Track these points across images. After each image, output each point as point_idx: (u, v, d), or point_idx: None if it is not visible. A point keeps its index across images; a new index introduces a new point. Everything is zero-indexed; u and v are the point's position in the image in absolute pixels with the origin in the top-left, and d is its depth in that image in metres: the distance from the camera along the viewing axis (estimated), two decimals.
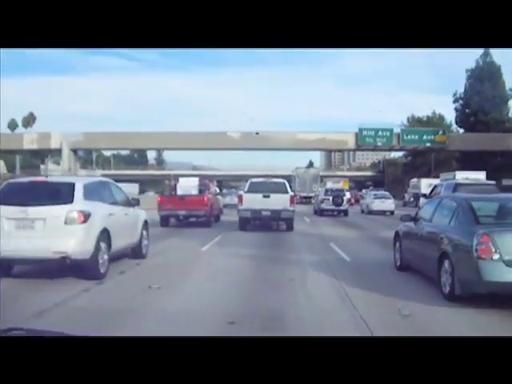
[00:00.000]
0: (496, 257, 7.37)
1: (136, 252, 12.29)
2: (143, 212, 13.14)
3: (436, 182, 37.79)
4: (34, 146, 59.82)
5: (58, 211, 9.18)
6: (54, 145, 58.22)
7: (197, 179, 26.17)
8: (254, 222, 21.96)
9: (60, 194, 9.50)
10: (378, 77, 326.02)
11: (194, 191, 24.64)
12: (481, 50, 69.18)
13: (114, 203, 11.07)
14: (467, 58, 78.93)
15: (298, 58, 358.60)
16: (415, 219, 10.85)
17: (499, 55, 70.41)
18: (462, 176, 27.67)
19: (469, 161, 62.67)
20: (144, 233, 12.67)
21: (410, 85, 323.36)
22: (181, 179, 26.42)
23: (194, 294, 8.81)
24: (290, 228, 21.44)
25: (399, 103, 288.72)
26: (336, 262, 12.37)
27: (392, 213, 36.11)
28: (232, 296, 8.52)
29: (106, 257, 9.89)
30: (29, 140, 59.51)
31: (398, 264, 11.18)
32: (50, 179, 10.22)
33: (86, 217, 9.28)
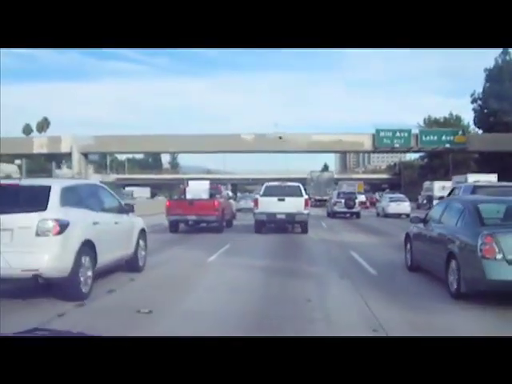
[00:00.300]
0: (499, 256, 7.72)
1: (131, 265, 10.75)
2: (139, 219, 11.60)
3: (448, 184, 38.54)
4: (44, 150, 58.97)
5: (28, 220, 7.61)
6: (64, 149, 57.40)
7: (207, 182, 24.98)
8: (269, 225, 22.06)
9: (32, 199, 7.93)
10: (392, 79, 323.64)
11: (205, 195, 23.43)
12: (497, 50, 67.57)
13: (102, 210, 9.55)
14: (484, 58, 77.20)
15: (311, 62, 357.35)
16: (425, 221, 11.19)
17: None
18: (473, 178, 27.80)
19: (488, 162, 61.16)
20: (141, 243, 11.13)
21: (426, 87, 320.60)
22: (190, 182, 25.21)
23: (189, 322, 7.10)
24: (304, 231, 21.57)
25: (414, 105, 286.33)
26: (360, 276, 10.84)
27: (408, 215, 34.79)
28: (235, 326, 6.82)
29: (89, 273, 8.36)
30: (39, 144, 58.73)
31: (409, 264, 11.63)
32: (23, 182, 8.70)
33: (63, 227, 7.73)
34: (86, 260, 8.25)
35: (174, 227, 22.63)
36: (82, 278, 8.09)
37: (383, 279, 10.57)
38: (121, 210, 10.50)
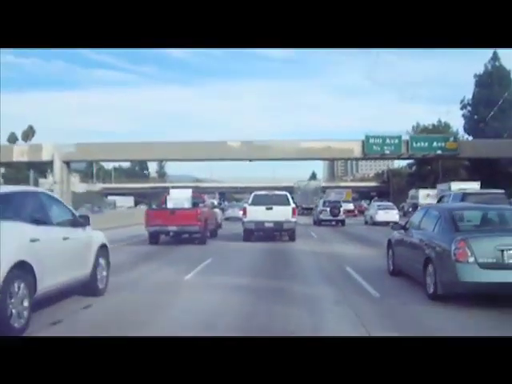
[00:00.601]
0: (471, 260, 8.21)
1: (88, 288, 9.02)
2: (99, 234, 9.81)
3: (433, 192, 39.04)
4: (25, 159, 56.76)
5: None
6: (45, 157, 55.36)
7: (189, 191, 23.60)
8: (257, 233, 22.19)
9: None
10: (380, 87, 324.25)
11: (187, 204, 22.07)
12: (486, 56, 67.26)
13: (46, 223, 7.77)
14: (474, 65, 76.96)
15: (299, 69, 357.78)
16: (405, 228, 11.70)
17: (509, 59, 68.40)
18: (456, 186, 29.12)
19: (478, 169, 60.30)
20: (101, 261, 9.39)
21: (413, 94, 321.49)
22: (172, 190, 23.81)
23: None
24: (292, 238, 21.93)
25: (402, 113, 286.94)
26: (361, 300, 9.10)
27: (396, 223, 33.85)
28: None
29: (25, 303, 6.63)
30: (19, 152, 56.65)
31: (391, 269, 12.09)
32: None
33: None
34: (19, 287, 6.49)
35: (153, 239, 21.19)
36: (13, 311, 6.34)
37: (388, 303, 8.94)
38: (74, 223, 8.75)
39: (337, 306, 8.63)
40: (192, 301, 9.19)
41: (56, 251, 7.62)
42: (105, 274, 9.59)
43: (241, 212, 27.19)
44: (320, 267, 14.14)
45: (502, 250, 8.14)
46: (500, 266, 8.11)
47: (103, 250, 9.59)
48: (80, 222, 8.93)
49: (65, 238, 8.06)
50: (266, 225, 21.35)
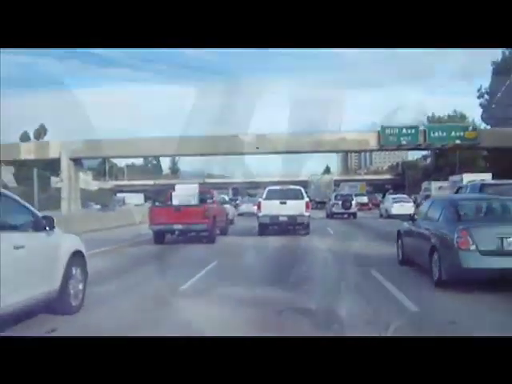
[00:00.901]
0: (473, 247, 8.82)
1: (58, 306, 7.28)
2: (72, 238, 8.03)
3: (445, 184, 44.10)
4: (32, 156, 55.83)
5: None
6: (52, 154, 54.80)
7: (196, 186, 22.19)
8: (272, 228, 22.51)
9: None
10: (392, 78, 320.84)
11: (193, 200, 20.70)
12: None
13: None
14: (490, 55, 73.78)
15: (311, 63, 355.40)
16: (413, 219, 12.29)
17: None
18: (468, 178, 28.60)
19: (497, 159, 58.11)
20: (74, 272, 7.61)
21: (429, 85, 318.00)
22: (177, 186, 22.36)
23: None
24: (306, 231, 22.22)
25: (416, 104, 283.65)
26: (397, 317, 7.16)
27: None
28: None
29: None
30: (26, 150, 55.88)
31: (400, 258, 12.65)
32: None
33: None
34: None
35: (158, 238, 19.69)
36: None
37: (426, 317, 7.28)
38: (36, 227, 6.98)
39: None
40: (180, 323, 7.08)
41: (7, 264, 5.85)
42: (80, 287, 7.81)
43: (255, 207, 27.85)
44: (329, 263, 13.71)
45: (502, 238, 8.69)
46: (500, 252, 8.64)
47: (77, 257, 7.78)
48: (43, 224, 7.10)
49: (17, 247, 6.24)
50: (281, 219, 21.64)
